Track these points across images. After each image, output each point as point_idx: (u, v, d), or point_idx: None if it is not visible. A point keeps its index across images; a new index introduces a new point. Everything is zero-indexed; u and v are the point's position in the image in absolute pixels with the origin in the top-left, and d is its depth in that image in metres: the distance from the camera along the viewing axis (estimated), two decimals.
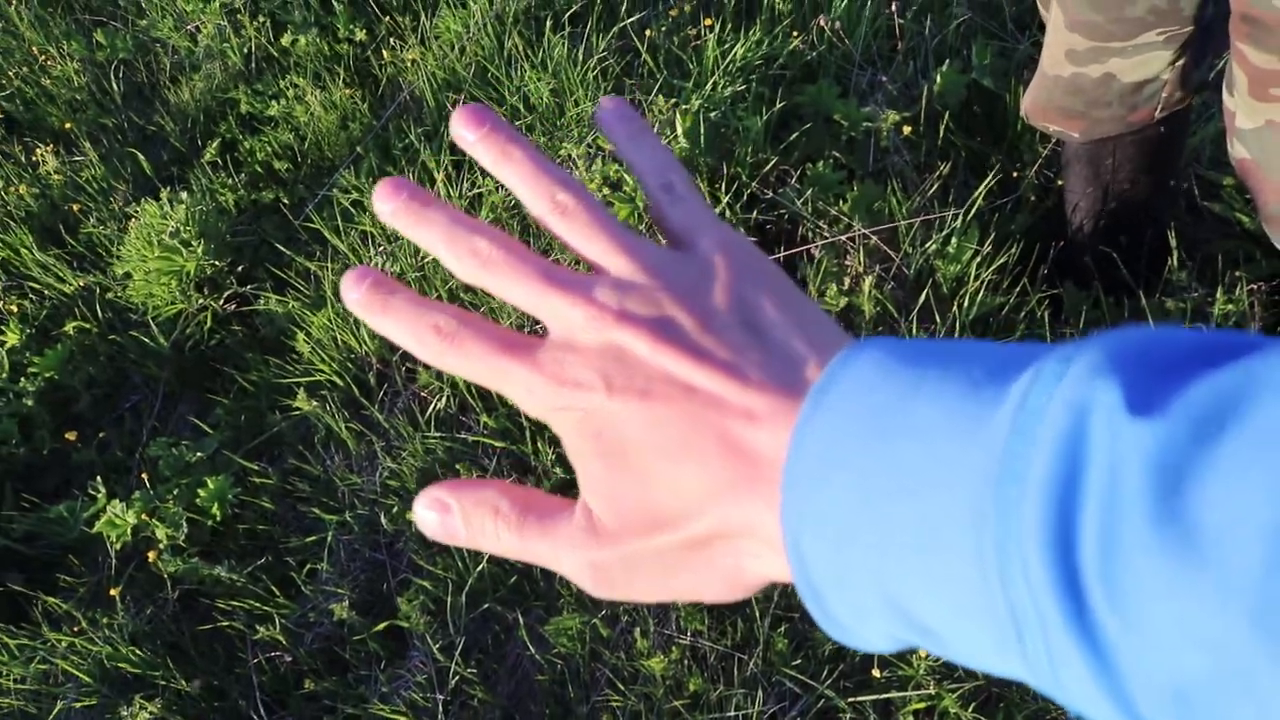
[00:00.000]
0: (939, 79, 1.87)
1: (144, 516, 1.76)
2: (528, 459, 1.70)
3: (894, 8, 1.97)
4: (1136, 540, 0.24)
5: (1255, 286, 1.64)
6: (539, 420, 0.39)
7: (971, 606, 0.27)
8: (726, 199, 1.78)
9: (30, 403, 2.04)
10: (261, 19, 2.51)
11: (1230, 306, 1.61)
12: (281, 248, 2.09)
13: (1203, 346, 0.26)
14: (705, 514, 0.33)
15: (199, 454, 1.89)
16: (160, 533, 1.75)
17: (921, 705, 1.41)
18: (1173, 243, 1.62)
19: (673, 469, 0.33)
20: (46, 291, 2.21)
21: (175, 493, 1.81)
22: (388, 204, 0.37)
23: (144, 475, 1.87)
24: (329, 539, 1.73)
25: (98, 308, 2.15)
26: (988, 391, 0.28)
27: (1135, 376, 0.25)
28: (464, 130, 0.38)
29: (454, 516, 0.37)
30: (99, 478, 1.87)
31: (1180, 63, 1.31)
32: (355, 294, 0.37)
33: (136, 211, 2.16)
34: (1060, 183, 1.67)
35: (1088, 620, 0.24)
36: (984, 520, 0.26)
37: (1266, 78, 1.15)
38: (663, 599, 0.36)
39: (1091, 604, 0.24)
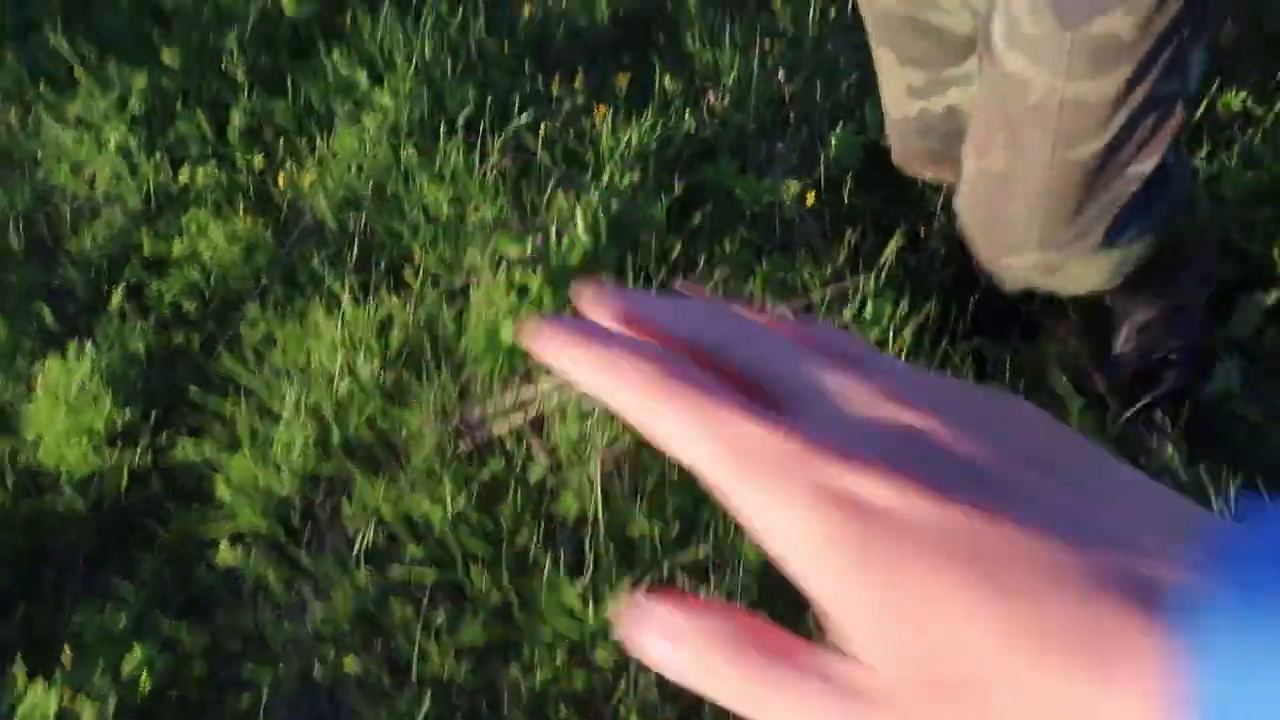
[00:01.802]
0: (834, 143, 1.86)
1: (67, 699, 1.67)
2: (463, 587, 1.63)
3: (780, 75, 1.97)
4: None
5: None
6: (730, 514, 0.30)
7: None
8: None
9: None
10: (158, 156, 2.47)
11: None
12: (195, 390, 2.03)
13: None
14: (1017, 681, 0.24)
15: (123, 617, 1.80)
16: (87, 714, 1.66)
17: None
18: None
19: (981, 605, 0.24)
20: None
21: (101, 664, 1.72)
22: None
23: (68, 647, 1.78)
24: (264, 699, 1.64)
25: (8, 475, 2.07)
26: None
27: None
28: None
29: (682, 650, 0.28)
30: (19, 657, 1.78)
31: None
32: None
33: (42, 370, 2.09)
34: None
35: None
36: None
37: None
38: None
39: None
